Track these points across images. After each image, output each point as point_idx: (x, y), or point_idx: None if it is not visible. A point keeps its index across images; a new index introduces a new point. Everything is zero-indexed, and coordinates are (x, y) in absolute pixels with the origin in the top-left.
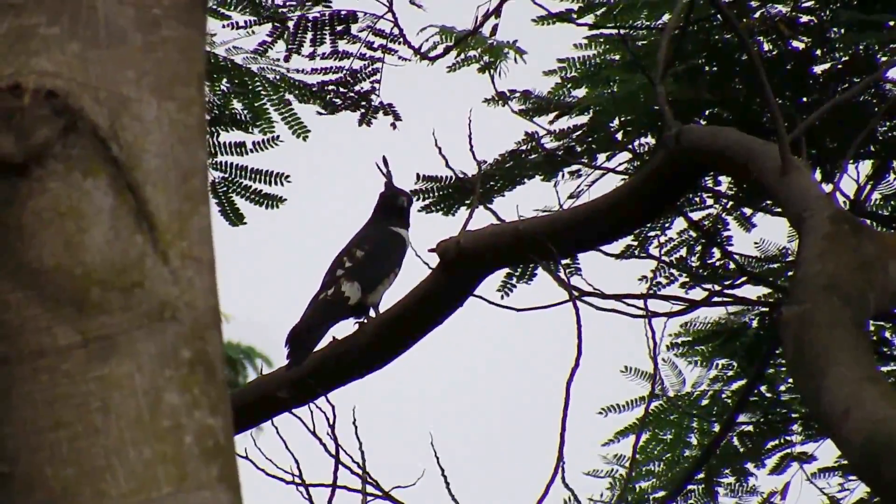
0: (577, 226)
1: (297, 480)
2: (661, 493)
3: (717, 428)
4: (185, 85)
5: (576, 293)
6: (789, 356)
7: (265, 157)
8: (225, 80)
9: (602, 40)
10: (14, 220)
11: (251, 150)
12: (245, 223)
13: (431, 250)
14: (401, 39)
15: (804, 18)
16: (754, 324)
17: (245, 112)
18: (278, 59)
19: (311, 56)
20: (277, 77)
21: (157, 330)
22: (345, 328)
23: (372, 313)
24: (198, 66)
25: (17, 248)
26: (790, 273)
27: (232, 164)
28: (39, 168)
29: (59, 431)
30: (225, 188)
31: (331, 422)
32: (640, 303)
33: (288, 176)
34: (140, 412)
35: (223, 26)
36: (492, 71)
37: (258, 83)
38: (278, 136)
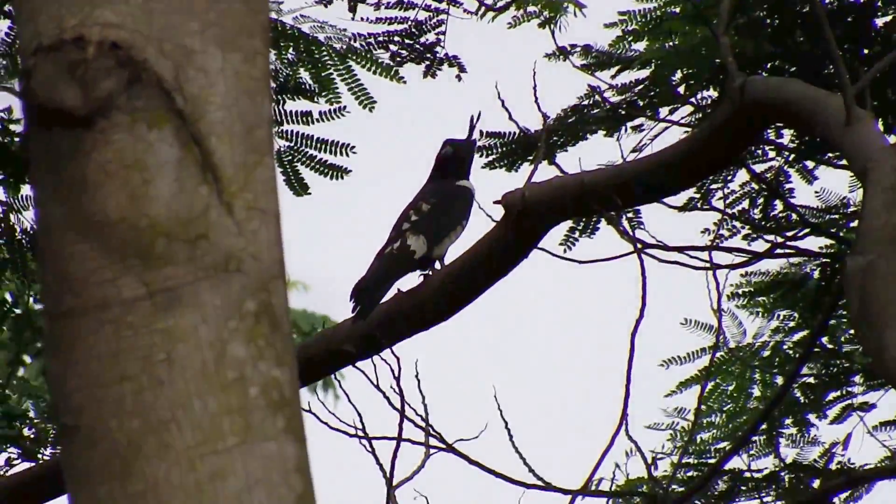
0: (643, 177)
1: (361, 433)
2: (722, 445)
3: (779, 379)
4: (250, 36)
5: (639, 245)
6: (854, 308)
7: (331, 126)
8: (292, 48)
9: None
10: (79, 172)
11: (317, 120)
12: (310, 193)
13: (497, 202)
14: None
15: None
16: (815, 274)
17: (312, 82)
18: (344, 28)
19: (377, 5)
20: (344, 46)
21: (222, 281)
22: (411, 280)
23: (437, 266)
24: (262, 17)
25: (82, 201)
26: (853, 224)
27: (298, 133)
28: (104, 120)
29: (124, 384)
30: (290, 157)
31: (396, 374)
32: (703, 255)
33: (353, 147)
34: (205, 364)
35: None
36: (552, 26)
37: (325, 53)
38: (345, 107)
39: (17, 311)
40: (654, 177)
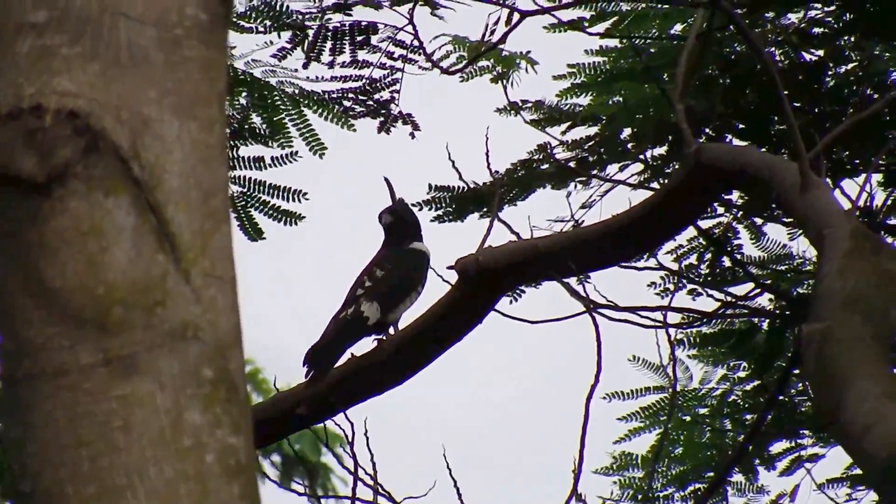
0: (598, 243)
1: (310, 493)
2: (669, 491)
3: (728, 425)
4: (207, 105)
5: (591, 305)
6: (810, 372)
7: (283, 172)
8: (244, 93)
9: (613, 47)
10: (36, 238)
11: (270, 165)
12: (264, 238)
13: (450, 268)
14: (420, 50)
15: (817, 30)
16: (764, 325)
17: (264, 126)
18: (297, 70)
19: (331, 64)
20: (296, 91)
21: (179, 349)
22: (366, 345)
23: (391, 331)
24: (219, 85)
25: (39, 267)
26: (805, 284)
27: (251, 178)
28: (61, 187)
29: (81, 449)
30: (244, 203)
31: (349, 439)
32: (654, 313)
33: (306, 193)
34: (162, 431)
35: (242, 34)
36: (504, 81)
37: (277, 97)
38: (297, 152)
39: None
40: (610, 243)
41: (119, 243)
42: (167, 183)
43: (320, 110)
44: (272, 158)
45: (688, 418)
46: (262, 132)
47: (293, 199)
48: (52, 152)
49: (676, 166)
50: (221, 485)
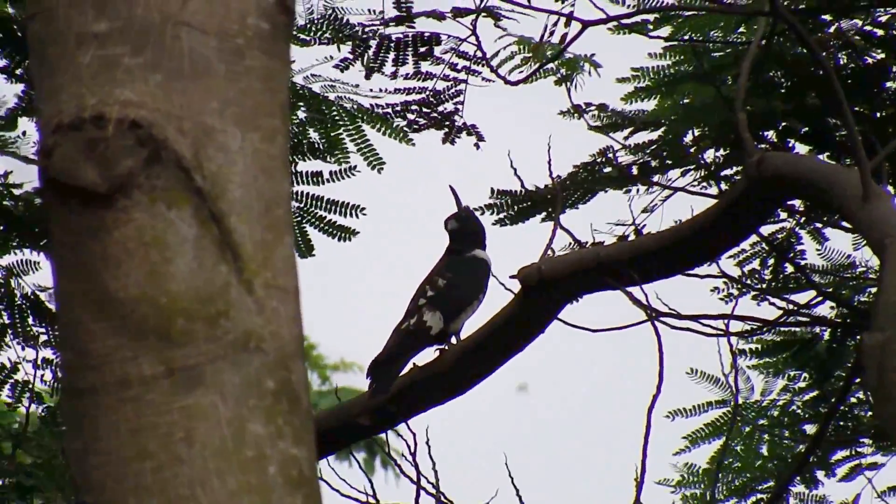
0: (660, 253)
1: (372, 502)
2: (731, 502)
3: (787, 434)
4: (269, 115)
5: (652, 314)
6: (872, 383)
7: (338, 187)
8: (302, 108)
9: (677, 51)
10: (99, 249)
11: (328, 180)
12: (314, 255)
13: (513, 277)
14: (483, 61)
15: (879, 32)
16: (826, 335)
17: (322, 141)
18: (358, 85)
19: (394, 75)
20: (354, 107)
21: (241, 360)
22: (427, 355)
23: (453, 340)
24: (281, 95)
25: (102, 278)
26: (867, 293)
27: (308, 193)
28: (124, 198)
29: (144, 462)
30: (299, 218)
31: (412, 449)
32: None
33: (364, 208)
34: (224, 442)
35: (301, 47)
36: (568, 84)
37: (335, 112)
38: (355, 167)
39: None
40: (672, 252)
41: (181, 254)
42: (230, 193)
43: (378, 125)
44: (330, 173)
45: (748, 429)
46: (320, 147)
47: (351, 215)
48: (114, 163)
49: (737, 170)
50: (284, 496)
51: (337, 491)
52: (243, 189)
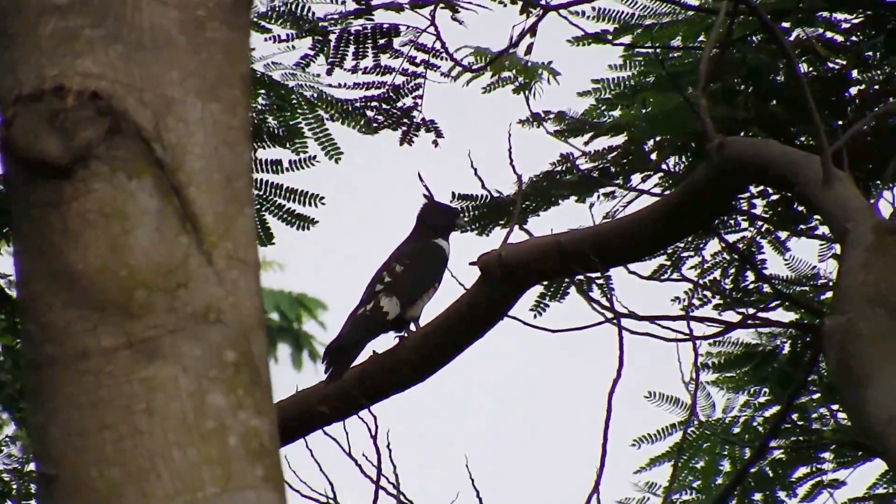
0: (620, 237)
1: (332, 502)
2: None
3: (748, 451)
4: (230, 86)
5: (611, 314)
6: (832, 367)
7: (298, 176)
8: (262, 95)
9: (639, 60)
10: (59, 221)
11: (287, 169)
12: (273, 243)
13: (472, 264)
14: (442, 54)
15: (840, 39)
16: (786, 348)
17: (280, 129)
18: (319, 75)
19: (354, 70)
20: (315, 95)
21: (201, 332)
22: (385, 342)
23: (412, 327)
24: (242, 67)
25: (62, 250)
26: (824, 296)
27: (267, 181)
28: (84, 169)
29: (104, 433)
30: (258, 205)
31: (373, 434)
32: (675, 325)
33: (322, 197)
34: (184, 414)
35: (265, 39)
36: (526, 92)
37: (295, 101)
38: (314, 157)
39: None
40: (632, 236)
41: (142, 226)
42: (190, 165)
43: (338, 115)
44: (290, 162)
45: (706, 445)
46: (279, 135)
47: (309, 204)
48: (74, 134)
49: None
50: (245, 466)
51: (297, 492)
52: (204, 160)
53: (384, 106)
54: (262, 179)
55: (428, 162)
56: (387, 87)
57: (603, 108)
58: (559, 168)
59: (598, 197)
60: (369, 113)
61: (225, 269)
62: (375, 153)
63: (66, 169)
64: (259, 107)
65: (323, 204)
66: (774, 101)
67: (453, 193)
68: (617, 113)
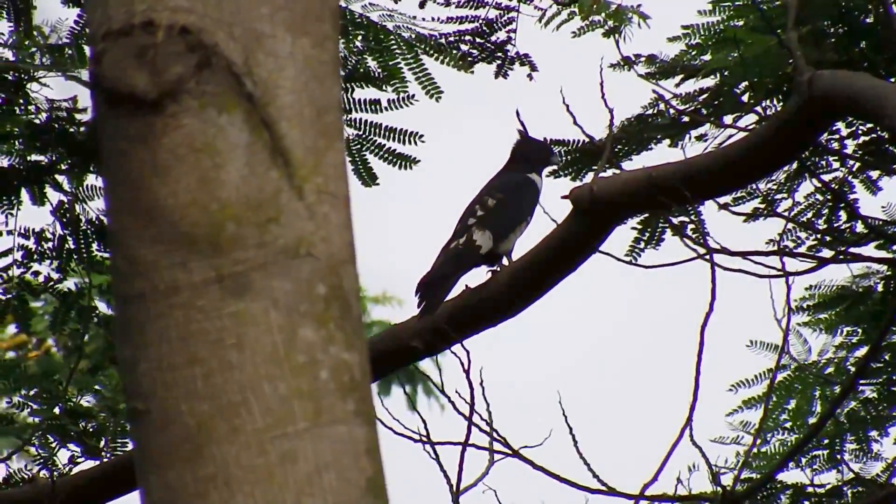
0: (710, 170)
1: (425, 439)
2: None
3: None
4: (319, 20)
5: (704, 250)
6: None
7: (399, 115)
8: (360, 36)
9: (727, 5)
10: (149, 156)
11: (386, 109)
12: (378, 184)
13: (564, 197)
14: None
15: None
16: (879, 287)
17: (379, 70)
18: (414, 16)
19: (447, 3)
20: (412, 36)
21: (292, 266)
22: (477, 276)
23: (504, 261)
24: (331, 2)
25: (152, 185)
26: None
27: (366, 121)
28: (174, 104)
29: (194, 367)
30: (359, 146)
31: (465, 368)
32: (769, 262)
33: (422, 135)
34: (275, 348)
35: None
36: (616, 36)
37: (392, 42)
38: (413, 95)
39: (81, 301)
40: (723, 170)
41: (232, 160)
42: (280, 99)
43: (436, 54)
44: (388, 101)
45: (799, 387)
46: (378, 76)
47: (409, 142)
48: (164, 69)
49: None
50: (336, 401)
51: (390, 429)
52: (294, 95)
53: (478, 40)
54: (361, 119)
55: (519, 104)
56: (480, 21)
57: (694, 54)
58: (650, 111)
59: (690, 139)
60: (463, 47)
61: (315, 203)
62: (468, 97)
63: (155, 104)
64: (358, 47)
65: (423, 141)
66: (864, 44)
67: (544, 139)
68: (708, 57)
